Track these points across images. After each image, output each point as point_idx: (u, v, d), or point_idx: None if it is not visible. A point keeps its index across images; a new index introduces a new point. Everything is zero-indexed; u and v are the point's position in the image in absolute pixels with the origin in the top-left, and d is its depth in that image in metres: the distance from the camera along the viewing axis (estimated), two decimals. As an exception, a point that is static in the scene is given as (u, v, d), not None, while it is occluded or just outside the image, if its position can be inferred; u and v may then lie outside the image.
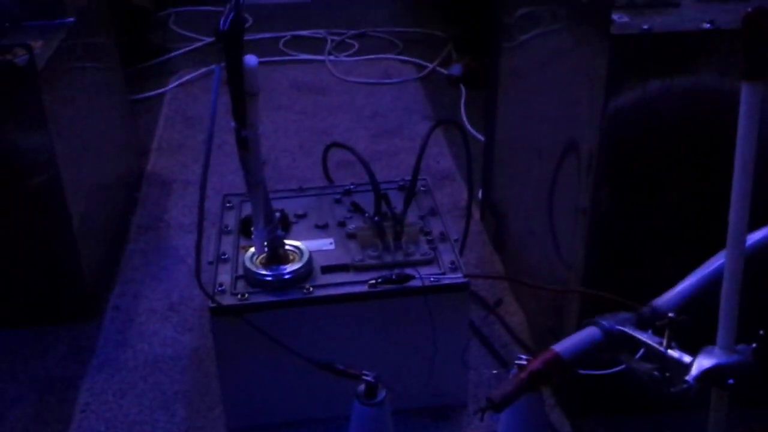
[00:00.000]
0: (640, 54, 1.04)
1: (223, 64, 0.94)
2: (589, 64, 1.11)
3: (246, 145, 1.04)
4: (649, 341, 0.79)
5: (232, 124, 1.03)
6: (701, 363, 0.74)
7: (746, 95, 0.71)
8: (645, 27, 1.02)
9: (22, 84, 1.33)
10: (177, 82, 2.58)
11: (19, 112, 1.36)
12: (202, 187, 0.94)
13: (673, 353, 0.77)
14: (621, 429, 1.24)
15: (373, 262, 1.24)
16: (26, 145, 1.38)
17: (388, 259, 1.24)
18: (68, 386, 1.38)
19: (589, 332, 0.84)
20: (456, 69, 2.52)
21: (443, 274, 1.21)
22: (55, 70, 1.43)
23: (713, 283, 0.86)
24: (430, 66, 2.64)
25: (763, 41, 0.69)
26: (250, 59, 0.97)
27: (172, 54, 2.80)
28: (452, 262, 1.24)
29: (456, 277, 1.20)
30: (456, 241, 1.31)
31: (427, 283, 1.18)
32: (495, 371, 1.22)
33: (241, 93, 0.98)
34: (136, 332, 1.49)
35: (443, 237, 1.31)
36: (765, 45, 0.69)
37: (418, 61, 2.70)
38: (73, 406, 1.33)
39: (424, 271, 1.21)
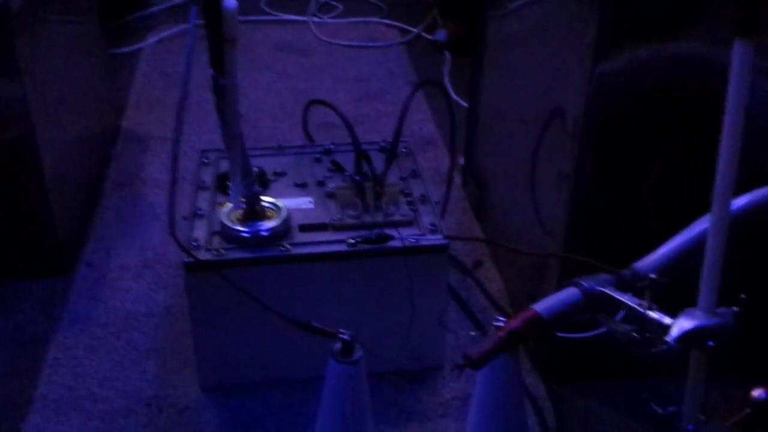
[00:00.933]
0: (630, 18, 1.03)
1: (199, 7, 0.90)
2: (577, 29, 1.09)
3: (223, 93, 1.01)
4: (629, 302, 0.79)
5: (209, 71, 1.00)
6: (682, 324, 0.73)
7: (738, 52, 0.69)
8: (636, -12, 1.00)
9: (-7, 29, 1.28)
10: (155, 38, 2.52)
11: (-10, 59, 1.31)
12: (178, 126, 0.90)
13: (654, 314, 0.76)
14: (597, 395, 1.25)
15: (352, 221, 1.22)
16: (-1, 98, 1.34)
17: (368, 219, 1.23)
18: (38, 341, 1.35)
19: (569, 293, 0.83)
20: (441, 35, 2.48)
21: (423, 235, 1.19)
22: (29, 17, 1.38)
23: (695, 247, 0.85)
24: (415, 31, 2.61)
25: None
26: (229, 1, 0.94)
27: (151, 9, 2.74)
28: (432, 224, 1.22)
29: (436, 239, 1.19)
30: (437, 204, 1.29)
31: (406, 243, 1.17)
32: (473, 333, 1.22)
33: (218, 38, 0.94)
34: (109, 288, 1.47)
35: (424, 199, 1.29)
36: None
37: (402, 25, 2.66)
38: (42, 360, 1.31)
39: (404, 232, 1.19)
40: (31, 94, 1.36)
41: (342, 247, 1.17)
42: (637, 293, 0.81)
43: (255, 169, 1.22)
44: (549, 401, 1.22)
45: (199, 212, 1.25)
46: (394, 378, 1.26)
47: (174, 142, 0.92)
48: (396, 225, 1.21)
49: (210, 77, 1.01)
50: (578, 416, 1.21)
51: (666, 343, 0.73)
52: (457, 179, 1.78)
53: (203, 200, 1.28)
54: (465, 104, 1.91)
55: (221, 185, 1.31)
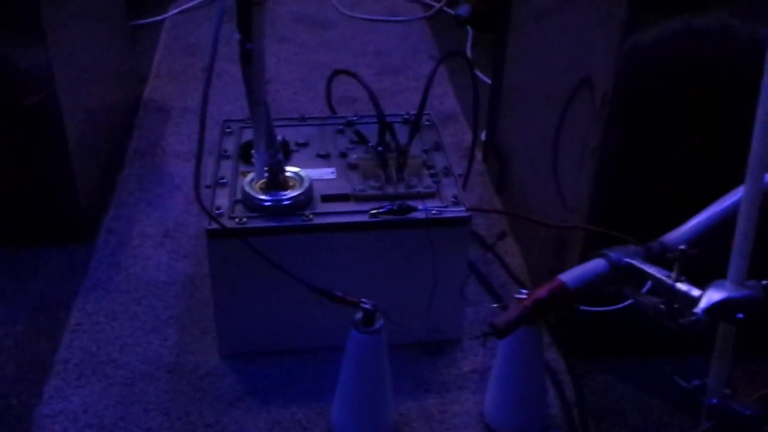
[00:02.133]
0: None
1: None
2: (607, 2, 1.07)
3: (250, 59, 1.01)
4: (657, 274, 0.78)
5: (236, 36, 0.99)
6: (711, 296, 0.73)
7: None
8: (670, -42, 0.98)
9: (21, -3, 1.28)
10: (177, 9, 2.51)
11: (17, 27, 1.31)
12: (206, 91, 0.90)
13: (682, 286, 0.76)
14: (617, 370, 1.24)
15: (374, 192, 1.22)
16: (24, 63, 1.34)
17: (390, 190, 1.22)
18: (59, 306, 1.36)
19: (596, 264, 0.82)
20: (464, 10, 2.46)
21: (445, 207, 1.19)
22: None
23: (725, 220, 0.84)
24: (437, 5, 2.58)
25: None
26: (259, -35, 0.93)
27: (174, -19, 2.73)
28: (455, 196, 1.21)
29: (458, 211, 1.18)
30: (459, 176, 1.28)
31: (429, 215, 1.16)
32: (494, 305, 1.21)
33: (247, 1, 0.93)
34: (130, 256, 1.47)
35: (446, 171, 1.28)
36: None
37: (424, 0, 2.63)
38: (63, 325, 1.32)
39: (426, 204, 1.19)
40: (56, 60, 1.36)
41: (364, 218, 1.17)
42: (665, 265, 0.80)
43: (279, 139, 1.22)
44: (569, 376, 1.22)
45: (221, 181, 1.24)
46: (413, 349, 1.26)
47: (202, 107, 0.91)
48: (418, 197, 1.21)
49: (237, 42, 1.00)
50: (598, 391, 1.21)
51: (694, 314, 0.72)
52: (479, 154, 1.77)
53: (226, 169, 1.28)
54: (487, 79, 1.89)
55: (244, 155, 1.31)
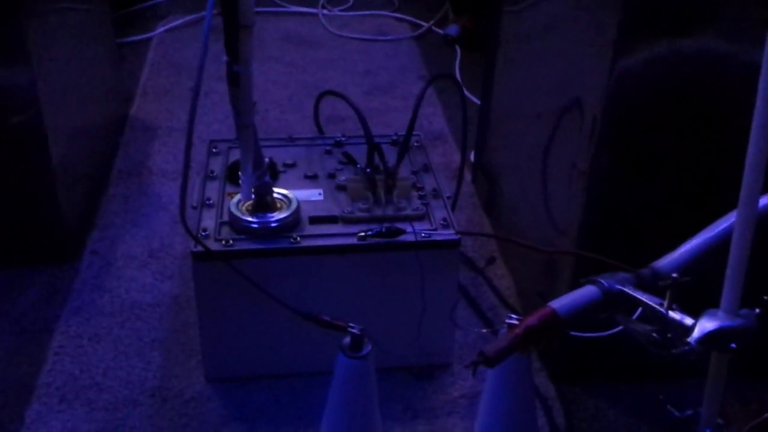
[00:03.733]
0: (651, 12, 1.01)
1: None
2: (598, 23, 1.07)
3: (237, 81, 1.00)
4: (649, 302, 0.77)
5: (224, 59, 0.98)
6: (704, 325, 0.72)
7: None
8: (659, -19, 0.99)
9: (5, 14, 1.27)
10: (164, 27, 2.50)
11: (1, 45, 1.30)
12: (192, 112, 0.88)
13: (675, 315, 0.74)
14: (607, 396, 1.23)
15: (362, 214, 1.20)
16: (8, 82, 1.32)
17: (379, 212, 1.21)
18: (42, 329, 1.34)
19: (588, 291, 0.81)
20: (453, 29, 2.46)
21: (435, 230, 1.18)
22: (39, 3, 1.37)
23: (717, 246, 0.83)
24: (426, 25, 2.59)
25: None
26: (247, -12, 0.92)
27: (160, -1, 2.72)
28: (444, 219, 1.20)
29: (448, 234, 1.17)
30: (448, 198, 1.27)
31: (418, 238, 1.15)
32: (484, 330, 1.20)
33: (235, 24, 0.93)
34: (114, 277, 1.45)
35: (436, 193, 1.27)
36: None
37: (413, 19, 2.64)
38: (46, 349, 1.29)
39: (416, 226, 1.18)
40: (40, 79, 1.35)
41: (352, 241, 1.15)
42: (657, 293, 0.79)
43: (266, 160, 1.21)
44: (559, 402, 1.21)
45: (208, 202, 1.23)
46: (402, 373, 1.25)
47: (189, 129, 0.90)
48: (407, 219, 1.20)
49: (224, 64, 0.99)
50: (588, 417, 1.19)
51: (687, 344, 0.71)
52: (468, 175, 1.76)
53: (212, 190, 1.27)
54: (475, 99, 1.89)
55: (231, 175, 1.30)
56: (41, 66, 1.35)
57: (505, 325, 0.91)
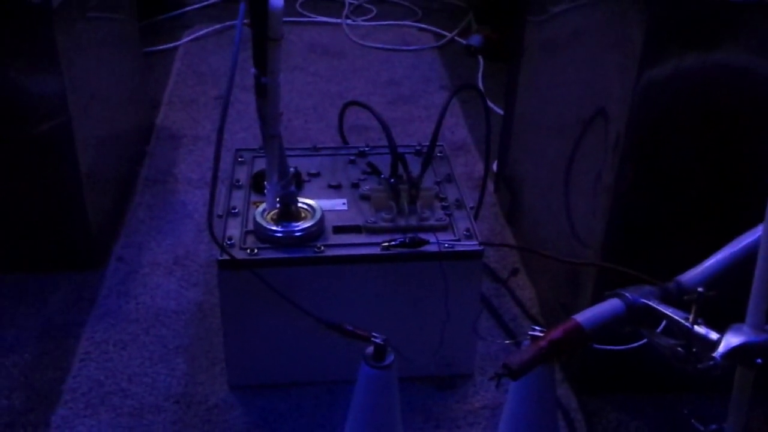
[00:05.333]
0: (678, 24, 1.01)
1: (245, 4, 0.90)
2: (623, 34, 1.07)
3: (265, 93, 1.01)
4: (675, 316, 0.77)
5: (252, 70, 0.99)
6: (729, 340, 0.72)
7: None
8: (685, -6, 0.98)
9: (36, 23, 1.29)
10: (190, 37, 2.53)
11: (32, 53, 1.32)
12: (222, 122, 0.89)
13: (700, 329, 0.74)
14: (629, 408, 1.22)
15: (386, 224, 1.21)
16: (38, 89, 1.35)
17: (402, 222, 1.22)
18: (68, 334, 1.35)
19: (612, 304, 0.81)
20: (476, 39, 2.47)
21: (458, 240, 1.18)
22: (69, 13, 1.39)
23: (743, 260, 0.83)
24: (449, 35, 2.60)
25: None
26: (276, 1, 0.93)
27: (186, 8, 2.76)
28: (467, 230, 1.21)
29: (471, 245, 1.17)
30: (471, 209, 1.28)
31: (442, 248, 1.15)
32: (507, 341, 1.20)
33: (263, 36, 0.94)
34: (140, 284, 1.47)
35: (459, 204, 1.28)
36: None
37: (436, 29, 2.65)
38: (72, 354, 1.31)
39: (439, 236, 1.18)
40: (70, 88, 1.37)
41: (376, 250, 1.16)
42: (682, 306, 0.79)
43: (291, 170, 1.22)
44: (581, 413, 1.20)
45: (233, 211, 1.24)
46: (424, 383, 1.25)
47: (218, 139, 0.91)
48: (430, 229, 1.20)
49: (252, 76, 1.00)
50: (610, 430, 1.19)
51: (713, 359, 0.71)
52: (490, 185, 1.76)
53: (237, 199, 1.28)
54: (498, 109, 1.90)
55: (256, 184, 1.31)
56: (70, 74, 1.38)
57: (529, 337, 0.91)
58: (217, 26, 2.59)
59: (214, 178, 0.95)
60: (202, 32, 2.56)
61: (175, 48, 2.48)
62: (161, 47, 2.46)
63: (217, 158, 0.93)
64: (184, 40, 2.52)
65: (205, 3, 2.78)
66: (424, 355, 1.22)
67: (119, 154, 1.74)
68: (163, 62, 2.38)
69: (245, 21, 0.90)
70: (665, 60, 1.02)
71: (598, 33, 1.19)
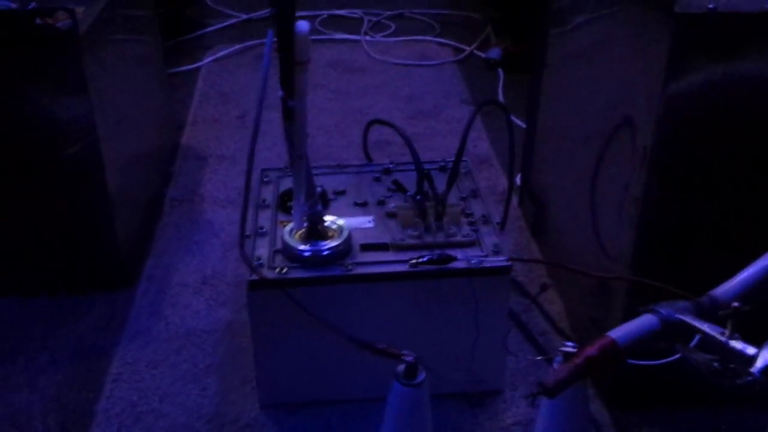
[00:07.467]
0: (703, 34, 1.00)
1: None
2: (648, 45, 1.07)
3: (292, 115, 1.02)
4: (710, 331, 0.76)
5: (279, 93, 1.00)
6: (766, 355, 0.71)
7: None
8: (710, 6, 0.98)
9: (63, 49, 1.31)
10: (212, 57, 2.56)
11: (60, 78, 1.34)
12: (252, 145, 0.91)
13: (736, 344, 0.74)
14: (662, 423, 1.21)
15: (413, 241, 1.21)
16: (66, 113, 1.37)
17: (429, 239, 1.22)
18: (100, 355, 1.37)
19: (646, 320, 0.81)
20: (495, 53, 2.47)
21: (486, 256, 1.18)
22: (96, 38, 1.42)
23: (778, 274, 0.82)
24: (468, 49, 2.60)
25: None
26: (302, 25, 0.94)
27: (208, 29, 2.79)
28: (495, 245, 1.21)
29: (499, 260, 1.17)
30: (497, 224, 1.28)
31: (470, 264, 1.16)
32: (539, 357, 1.20)
33: (290, 60, 0.95)
34: (169, 304, 1.48)
35: (485, 219, 1.28)
36: None
37: (455, 43, 2.66)
38: (104, 374, 1.32)
39: (466, 252, 1.18)
40: (98, 110, 1.39)
41: (404, 268, 1.16)
42: (716, 321, 0.79)
43: (318, 189, 1.23)
44: (614, 429, 1.20)
45: (261, 231, 1.25)
46: (455, 400, 1.25)
47: (249, 162, 0.93)
48: (458, 245, 1.20)
49: (279, 99, 1.01)
50: (644, 445, 1.18)
51: (751, 374, 0.70)
52: (514, 198, 1.76)
53: (265, 218, 1.29)
54: (519, 122, 1.90)
55: (282, 204, 1.32)
56: (98, 98, 1.40)
57: (560, 353, 0.91)
58: (238, 46, 2.62)
59: (245, 203, 0.96)
60: (223, 53, 2.58)
61: (198, 69, 2.50)
62: (184, 68, 2.49)
63: (247, 185, 0.94)
64: (206, 60, 2.55)
65: (226, 23, 2.81)
66: (454, 372, 1.22)
67: (146, 175, 1.76)
68: (186, 83, 2.41)
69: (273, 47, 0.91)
70: (691, 71, 1.02)
71: (623, 44, 1.19)
